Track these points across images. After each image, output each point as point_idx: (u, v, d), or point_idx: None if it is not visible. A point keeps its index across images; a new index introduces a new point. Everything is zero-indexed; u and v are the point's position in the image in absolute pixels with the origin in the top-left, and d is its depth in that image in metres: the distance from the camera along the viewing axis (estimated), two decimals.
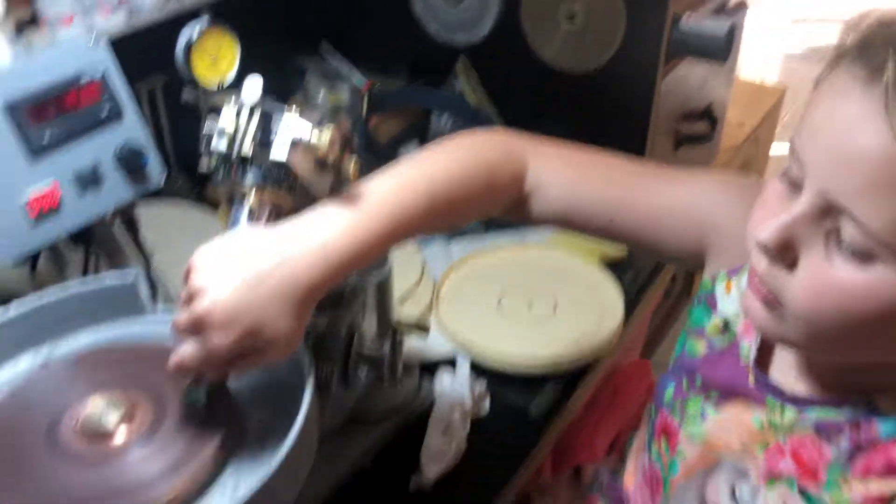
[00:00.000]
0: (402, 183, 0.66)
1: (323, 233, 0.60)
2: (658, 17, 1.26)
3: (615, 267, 1.20)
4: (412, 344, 1.01)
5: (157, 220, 0.91)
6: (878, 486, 0.60)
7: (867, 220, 0.51)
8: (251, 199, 0.63)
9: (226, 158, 0.63)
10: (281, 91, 1.51)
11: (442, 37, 1.43)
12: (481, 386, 0.99)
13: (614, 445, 1.35)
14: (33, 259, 0.90)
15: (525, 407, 0.99)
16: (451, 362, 1.02)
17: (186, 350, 0.58)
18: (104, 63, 0.75)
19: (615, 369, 1.36)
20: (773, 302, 0.58)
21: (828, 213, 0.54)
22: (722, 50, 1.25)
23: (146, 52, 1.09)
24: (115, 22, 1.10)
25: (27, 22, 1.04)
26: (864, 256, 0.52)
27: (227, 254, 0.59)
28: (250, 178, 0.63)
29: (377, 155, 1.33)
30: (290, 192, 0.64)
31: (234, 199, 0.65)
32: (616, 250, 1.21)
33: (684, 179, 0.77)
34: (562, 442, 1.18)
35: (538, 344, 1.04)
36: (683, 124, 1.55)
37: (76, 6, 1.05)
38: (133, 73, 0.78)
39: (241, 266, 0.58)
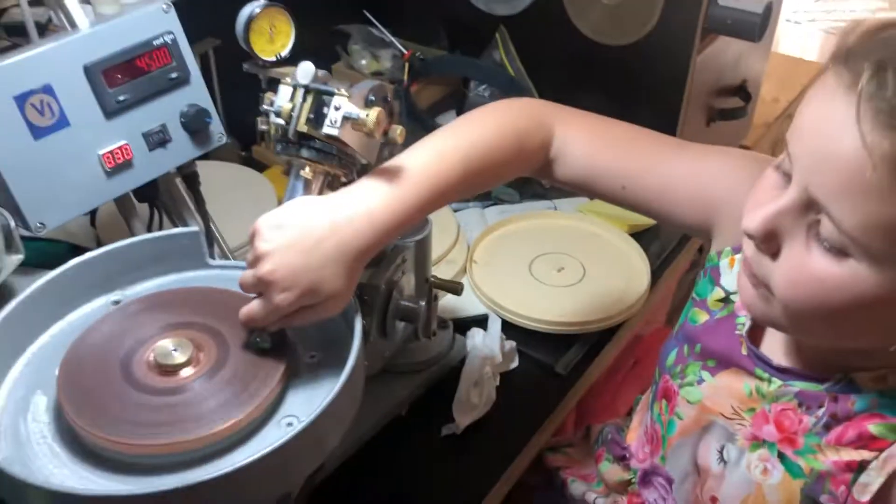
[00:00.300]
0: (439, 152, 0.73)
1: (369, 202, 0.67)
2: None
3: (642, 236, 1.25)
4: (447, 302, 1.07)
5: (207, 179, 0.97)
6: (849, 454, 0.65)
7: (841, 219, 0.55)
8: (306, 171, 0.70)
9: (283, 133, 0.69)
10: (325, 57, 1.56)
11: (482, 7, 1.46)
12: (511, 343, 1.05)
13: (635, 408, 1.40)
14: (92, 211, 0.97)
15: (552, 364, 1.05)
16: (484, 321, 1.08)
17: (254, 306, 0.67)
18: (173, 29, 0.81)
19: (639, 336, 1.41)
20: (759, 285, 0.63)
21: (810, 207, 0.57)
22: (757, 29, 1.27)
23: (200, 16, 1.14)
24: None
25: None
26: (839, 251, 0.56)
27: (286, 222, 0.66)
28: (305, 152, 0.70)
29: (417, 120, 1.38)
30: (340, 163, 0.71)
31: (290, 171, 0.71)
32: (643, 220, 1.26)
33: (699, 155, 0.81)
34: (585, 402, 1.24)
35: (566, 306, 1.10)
36: (717, 99, 1.57)
37: None
38: (186, 36, 0.83)
39: (299, 233, 0.65)
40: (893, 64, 0.52)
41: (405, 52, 1.50)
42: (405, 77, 1.46)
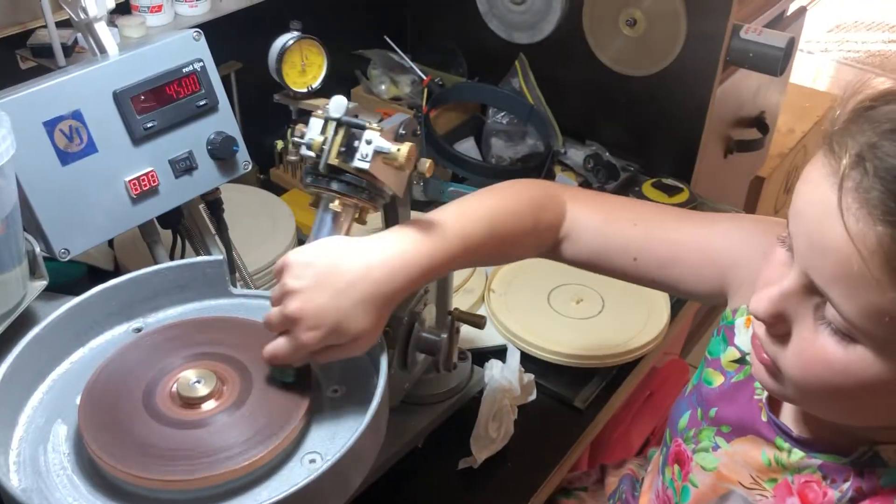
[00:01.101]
0: (468, 213, 0.74)
1: (403, 249, 0.67)
2: (718, 27, 1.29)
3: None
4: (465, 333, 1.07)
5: (226, 203, 0.97)
6: None
7: (840, 305, 0.54)
8: (335, 204, 0.70)
9: (314, 166, 0.69)
10: (345, 81, 1.57)
11: (503, 34, 1.47)
12: (529, 376, 1.04)
13: (650, 440, 1.39)
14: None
15: (570, 398, 1.04)
16: (502, 352, 1.07)
17: (279, 344, 0.67)
18: (203, 56, 0.81)
19: (654, 368, 1.40)
20: (771, 365, 0.62)
21: (813, 290, 0.56)
22: (780, 63, 1.27)
23: (222, 39, 1.15)
24: (200, 10, 1.16)
25: (120, 6, 1.10)
26: (845, 335, 0.55)
27: (317, 260, 0.66)
28: (335, 185, 0.70)
29: (435, 146, 1.38)
30: (370, 197, 0.71)
31: (319, 203, 0.71)
32: None
33: (707, 222, 0.81)
34: (600, 435, 1.22)
35: (585, 338, 1.09)
36: (735, 130, 1.57)
37: None
38: None
39: (330, 272, 0.65)
40: (872, 154, 0.51)
41: (424, 77, 1.50)
42: (424, 103, 1.46)
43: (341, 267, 0.65)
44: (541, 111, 1.47)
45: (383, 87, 1.53)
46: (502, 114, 1.50)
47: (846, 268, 0.52)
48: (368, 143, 0.67)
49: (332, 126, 0.68)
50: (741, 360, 0.76)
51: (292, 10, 1.32)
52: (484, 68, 1.56)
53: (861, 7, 4.21)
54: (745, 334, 0.76)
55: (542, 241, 0.81)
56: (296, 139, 0.69)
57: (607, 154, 1.46)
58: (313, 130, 0.69)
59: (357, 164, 0.67)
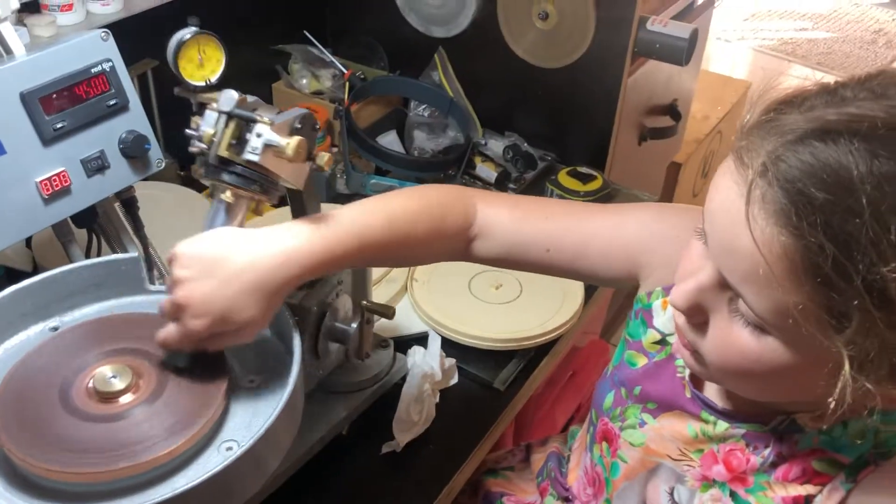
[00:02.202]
0: (367, 210, 0.76)
1: (292, 242, 0.69)
2: (626, 19, 1.34)
3: None
4: (388, 321, 1.09)
5: (145, 200, 0.97)
6: (796, 490, 0.68)
7: (752, 303, 0.57)
8: (227, 195, 0.72)
9: (206, 158, 0.71)
10: (266, 76, 1.57)
11: (421, 28, 1.49)
12: (451, 361, 1.07)
13: (574, 417, 1.44)
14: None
15: (490, 380, 1.08)
16: (424, 338, 1.10)
17: (169, 330, 0.69)
18: (111, 56, 0.81)
19: (575, 348, 1.45)
20: (692, 350, 0.66)
21: (727, 285, 0.59)
22: (684, 53, 1.33)
23: (138, 37, 1.15)
24: (112, 8, 1.15)
25: (29, 5, 1.09)
26: (757, 327, 0.58)
27: (205, 250, 0.68)
28: (226, 176, 0.71)
29: (357, 139, 1.40)
30: (262, 189, 0.73)
31: (214, 194, 0.73)
32: None
33: (614, 210, 0.85)
34: (524, 414, 1.27)
35: (504, 322, 1.13)
36: (648, 118, 1.63)
37: None
38: (124, 57, 0.84)
39: (218, 263, 0.67)
40: (775, 166, 0.53)
41: (345, 71, 1.52)
42: (345, 96, 1.48)
43: (228, 257, 0.67)
44: (460, 103, 1.50)
45: (304, 81, 1.54)
46: (423, 106, 1.53)
47: (754, 271, 0.55)
48: (259, 136, 0.69)
49: (223, 119, 0.70)
50: (662, 342, 0.80)
51: (207, 7, 1.32)
52: (404, 62, 1.59)
53: None
54: (663, 315, 0.80)
55: (452, 243, 0.83)
56: (190, 131, 0.71)
57: (525, 144, 1.50)
58: (207, 123, 0.70)
59: (247, 156, 0.69)
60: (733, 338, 0.60)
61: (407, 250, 0.80)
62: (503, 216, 0.84)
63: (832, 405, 0.55)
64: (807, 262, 0.52)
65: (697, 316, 0.63)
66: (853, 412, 0.57)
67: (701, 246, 0.63)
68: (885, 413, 0.59)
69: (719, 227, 0.58)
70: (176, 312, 0.67)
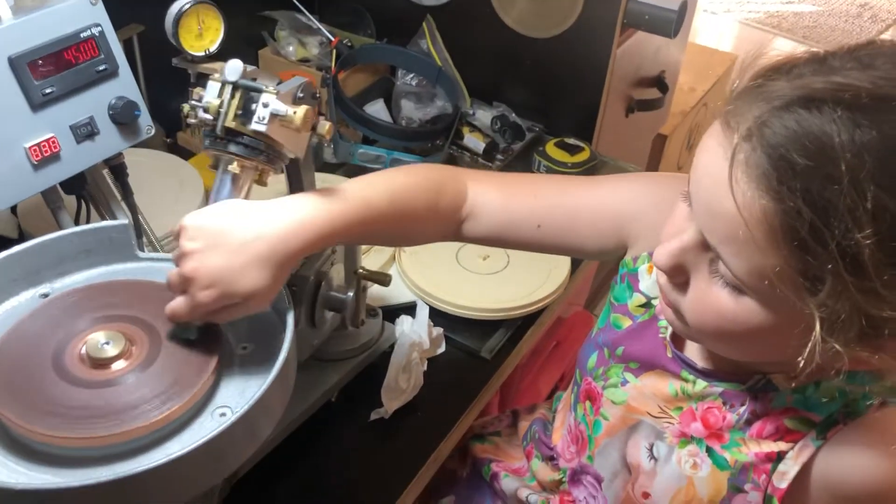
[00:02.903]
0: (371, 183, 0.77)
1: (300, 213, 0.69)
2: None
3: None
4: (376, 290, 1.10)
5: (132, 167, 0.97)
6: (769, 446, 0.71)
7: (730, 264, 0.59)
8: (234, 166, 0.72)
9: (211, 129, 0.70)
10: (252, 42, 1.56)
11: None
12: (438, 330, 1.08)
13: (558, 386, 1.46)
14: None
15: (477, 349, 1.09)
16: (412, 308, 1.11)
17: (178, 303, 0.69)
18: (101, 21, 0.81)
19: (560, 319, 1.47)
20: (674, 309, 0.68)
21: (708, 246, 0.61)
22: (673, 25, 1.33)
23: (123, 2, 1.13)
24: None
25: None
26: (735, 288, 0.61)
27: (212, 222, 0.68)
28: (233, 147, 0.71)
29: (344, 107, 1.39)
30: (268, 159, 0.73)
31: (218, 166, 0.73)
32: None
33: (601, 182, 0.87)
34: (509, 383, 1.28)
35: (491, 293, 1.14)
36: (636, 90, 1.64)
37: None
38: (111, 23, 0.83)
39: (225, 235, 0.67)
40: (760, 131, 0.55)
41: (332, 39, 1.50)
42: (333, 64, 1.47)
43: (235, 228, 0.67)
44: (449, 73, 1.50)
45: (291, 48, 1.53)
46: (411, 76, 1.52)
47: (735, 233, 0.57)
48: (265, 105, 0.69)
49: (228, 89, 0.69)
50: (646, 305, 0.83)
51: None
52: (392, 30, 1.57)
53: None
54: (648, 280, 0.83)
55: (445, 222, 0.84)
56: (193, 102, 0.70)
57: (513, 115, 1.50)
58: (210, 94, 0.70)
59: (254, 126, 0.69)
60: (712, 298, 0.62)
61: (405, 227, 0.81)
62: (493, 195, 0.85)
63: (801, 364, 0.57)
64: (785, 225, 0.54)
65: (679, 276, 0.66)
66: (823, 373, 0.60)
67: (686, 208, 0.65)
68: (851, 374, 0.61)
69: (703, 189, 0.60)
70: (184, 285, 0.67)
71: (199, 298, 0.67)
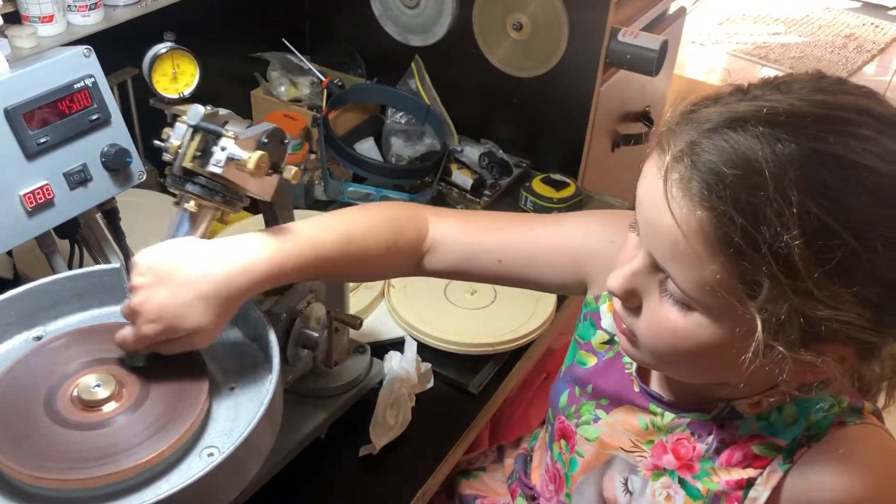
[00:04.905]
0: (324, 224, 0.79)
1: (247, 254, 0.72)
2: (598, 31, 1.37)
3: None
4: (366, 326, 1.12)
5: (125, 207, 0.99)
6: (738, 474, 0.73)
7: (678, 281, 0.62)
8: (191, 205, 0.75)
9: (172, 169, 0.74)
10: (244, 83, 1.59)
11: (398, 37, 1.52)
12: (426, 365, 1.10)
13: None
14: None
15: (465, 384, 1.11)
16: (400, 343, 1.13)
17: (125, 332, 0.72)
18: (94, 72, 0.83)
19: (550, 350, 1.48)
20: (629, 334, 0.71)
21: (657, 267, 0.65)
22: (654, 65, 1.37)
23: (118, 46, 1.16)
24: (92, 20, 1.17)
25: (10, 16, 1.10)
26: (684, 305, 0.64)
27: (162, 259, 0.71)
28: (190, 186, 0.74)
29: (335, 146, 1.42)
30: (224, 200, 0.75)
31: (179, 203, 0.75)
32: None
33: (559, 220, 0.90)
34: (499, 416, 1.30)
35: (479, 327, 1.16)
36: (621, 125, 1.67)
37: (56, 4, 1.11)
38: (104, 66, 0.86)
39: (173, 272, 0.70)
40: (691, 150, 0.59)
41: (324, 79, 1.54)
42: (324, 104, 1.50)
43: (184, 266, 0.70)
44: (437, 111, 1.53)
45: (283, 88, 1.56)
46: (400, 114, 1.55)
47: (676, 247, 0.60)
48: (223, 149, 0.72)
49: (189, 132, 0.73)
50: (610, 342, 0.85)
51: (187, 15, 1.34)
52: (382, 70, 1.61)
53: (748, 1, 4.43)
54: (610, 318, 0.85)
55: (406, 258, 0.86)
56: (158, 142, 0.74)
57: (501, 152, 1.53)
58: (176, 134, 0.73)
59: (211, 168, 0.72)
60: (663, 317, 0.65)
61: (362, 265, 0.83)
62: (454, 229, 0.87)
63: (746, 363, 0.60)
64: (720, 233, 0.58)
65: (632, 300, 0.68)
66: (783, 396, 0.65)
67: (635, 237, 0.69)
68: (807, 391, 0.66)
69: (645, 210, 0.64)
70: (131, 317, 0.71)
71: (143, 331, 0.70)
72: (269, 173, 0.74)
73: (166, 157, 0.74)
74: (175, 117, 0.77)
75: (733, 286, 0.59)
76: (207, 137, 0.72)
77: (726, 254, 0.58)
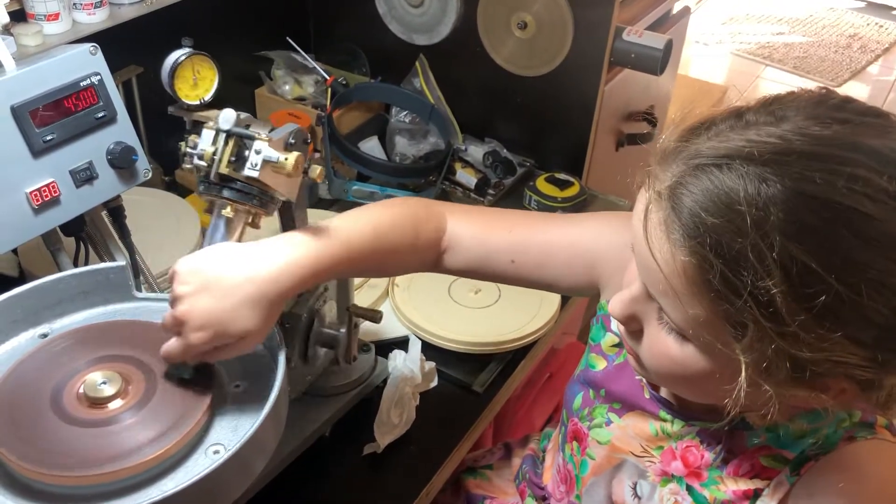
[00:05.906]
0: (356, 220, 0.79)
1: (288, 255, 0.72)
2: (602, 30, 1.37)
3: None
4: (369, 325, 1.12)
5: (130, 205, 1.00)
6: (745, 484, 0.73)
7: (669, 313, 0.62)
8: (227, 211, 0.74)
9: (206, 175, 0.73)
10: (249, 81, 1.59)
11: (403, 36, 1.52)
12: (431, 364, 1.10)
13: (553, 417, 1.48)
14: None
15: (469, 383, 1.11)
16: (405, 342, 1.13)
17: (171, 344, 0.71)
18: (100, 70, 0.84)
19: (553, 350, 1.49)
20: (635, 355, 0.71)
21: (653, 296, 0.64)
22: (658, 64, 1.36)
23: (123, 44, 1.16)
24: (98, 18, 1.17)
25: (16, 14, 1.11)
26: (680, 334, 0.63)
27: (204, 266, 0.70)
28: (226, 192, 0.74)
29: (339, 145, 1.42)
30: (261, 203, 0.75)
31: (213, 210, 0.75)
32: None
33: (574, 220, 0.90)
34: (503, 415, 1.30)
35: (483, 326, 1.16)
36: (625, 125, 1.67)
37: (62, 3, 1.12)
38: (109, 64, 0.86)
39: (216, 278, 0.69)
40: (671, 193, 0.58)
41: (328, 77, 1.54)
42: (328, 103, 1.50)
43: (227, 271, 0.69)
44: (441, 110, 1.53)
45: (287, 87, 1.56)
46: (405, 113, 1.55)
47: (666, 286, 0.60)
48: (258, 152, 0.72)
49: (222, 137, 0.72)
50: (619, 345, 0.85)
51: (192, 14, 1.34)
52: (386, 68, 1.61)
53: (752, 0, 4.42)
54: None
55: (425, 255, 0.86)
56: (188, 150, 0.73)
57: (505, 151, 1.53)
58: (205, 141, 0.73)
59: (248, 172, 0.72)
60: (661, 345, 0.65)
61: (387, 260, 0.83)
62: (469, 229, 0.87)
63: (728, 406, 0.60)
64: (700, 277, 0.57)
65: (633, 324, 0.69)
66: (794, 410, 0.64)
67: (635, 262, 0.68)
68: (810, 415, 0.67)
69: (636, 244, 0.64)
70: (177, 327, 0.70)
71: (191, 340, 0.69)
72: None
73: (197, 163, 0.73)
74: (195, 123, 0.76)
75: (720, 327, 0.58)
76: (240, 141, 0.72)
77: (708, 297, 0.57)
